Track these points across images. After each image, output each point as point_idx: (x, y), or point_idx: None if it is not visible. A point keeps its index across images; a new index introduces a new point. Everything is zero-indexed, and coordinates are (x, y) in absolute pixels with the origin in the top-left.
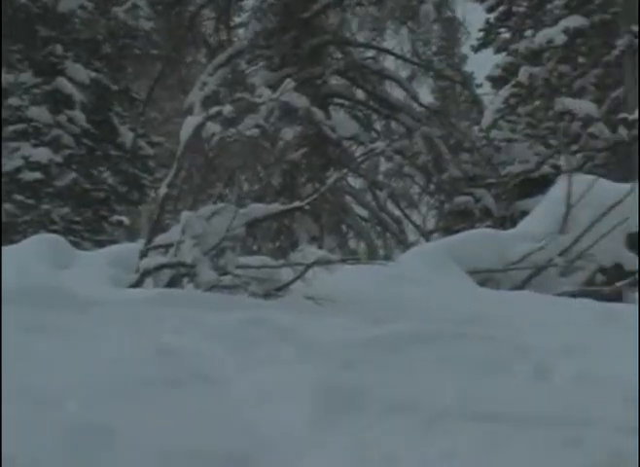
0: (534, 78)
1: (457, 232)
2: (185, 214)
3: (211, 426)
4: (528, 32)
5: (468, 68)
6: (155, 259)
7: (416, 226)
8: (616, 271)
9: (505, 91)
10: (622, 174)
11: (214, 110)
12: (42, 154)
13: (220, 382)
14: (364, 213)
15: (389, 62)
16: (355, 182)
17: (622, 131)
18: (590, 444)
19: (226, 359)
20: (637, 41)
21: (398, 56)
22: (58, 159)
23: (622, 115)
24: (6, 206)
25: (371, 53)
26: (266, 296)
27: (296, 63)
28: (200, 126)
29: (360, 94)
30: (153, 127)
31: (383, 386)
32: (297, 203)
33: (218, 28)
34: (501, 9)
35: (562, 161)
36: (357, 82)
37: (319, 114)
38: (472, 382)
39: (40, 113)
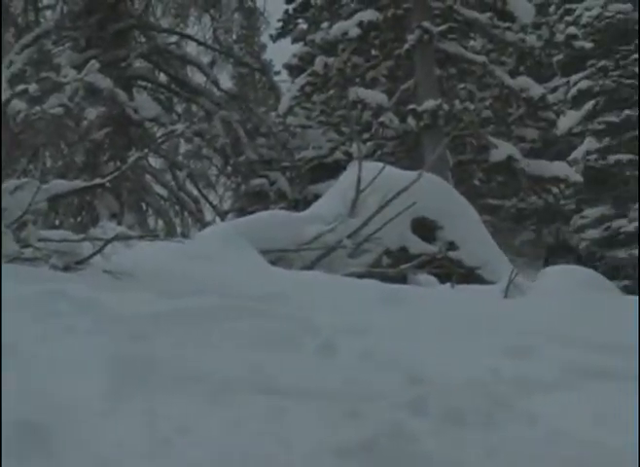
0: (329, 68)
1: (252, 212)
2: None
3: (6, 396)
4: (324, 24)
5: (267, 56)
6: None
7: (213, 206)
8: (401, 254)
9: (301, 80)
10: (410, 162)
11: (20, 88)
12: None
13: (17, 353)
14: (163, 192)
15: (191, 48)
16: (155, 162)
17: (411, 121)
18: (369, 417)
19: (24, 330)
20: (427, 36)
21: (199, 43)
22: None
23: (412, 106)
24: None
25: (174, 38)
26: (67, 269)
27: (101, 46)
28: (6, 104)
29: (162, 78)
30: None
31: (177, 358)
32: (98, 181)
33: (26, 9)
34: (299, 0)
35: (354, 148)
36: (160, 66)
37: (122, 95)
38: (260, 357)
39: None
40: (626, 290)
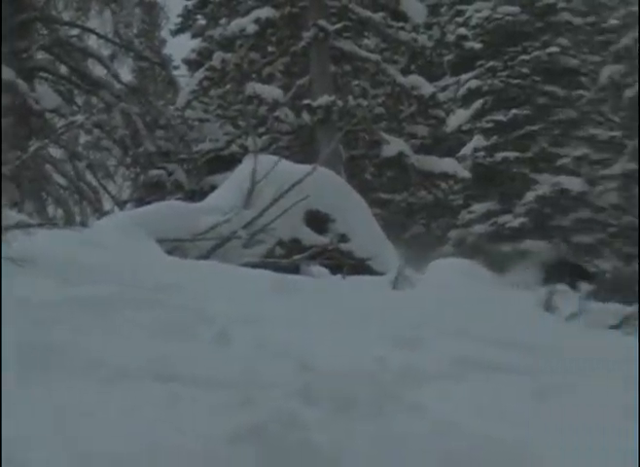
0: (226, 63)
1: (150, 202)
2: None
3: None
4: (223, 20)
5: (166, 51)
6: None
7: (112, 195)
8: (294, 245)
9: (199, 74)
10: (304, 156)
11: None
12: None
13: None
14: (63, 182)
15: (92, 41)
16: (56, 152)
17: (306, 116)
18: (262, 405)
19: None
20: (322, 34)
21: (100, 36)
22: None
23: (307, 101)
24: None
25: (75, 31)
26: None
27: (3, 37)
28: None
29: (63, 70)
30: None
31: (76, 346)
32: None
33: None
34: None
35: (249, 142)
36: (61, 58)
37: (24, 86)
38: (157, 345)
39: None
40: (510, 283)
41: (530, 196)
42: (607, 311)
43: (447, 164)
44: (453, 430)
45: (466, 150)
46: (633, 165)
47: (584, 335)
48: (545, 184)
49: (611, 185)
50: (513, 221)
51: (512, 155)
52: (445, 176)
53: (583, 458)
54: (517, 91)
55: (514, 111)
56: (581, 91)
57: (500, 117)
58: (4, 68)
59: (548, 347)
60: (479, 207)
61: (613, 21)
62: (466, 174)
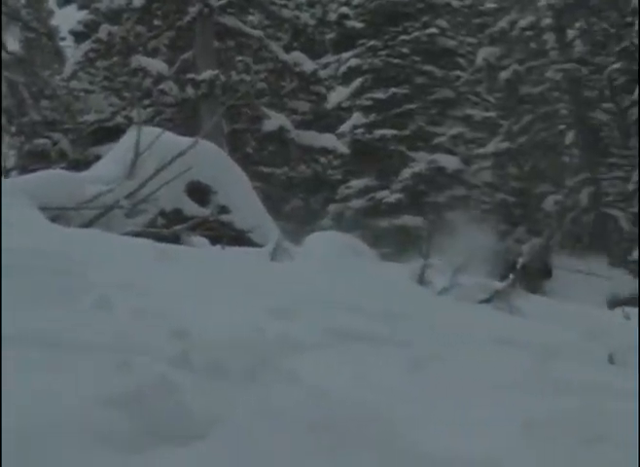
0: (113, 36)
1: (34, 171)
2: None
3: None
4: None
5: (53, 22)
6: None
7: None
8: (175, 216)
9: (85, 46)
10: (187, 129)
11: None
12: None
13: None
14: None
15: None
16: None
17: (190, 90)
18: (138, 370)
19: None
20: (207, 10)
21: None
22: None
23: (191, 75)
24: None
25: None
26: None
27: None
28: None
29: None
30: None
31: None
32: None
33: None
34: None
35: (134, 113)
36: None
37: None
38: (37, 311)
39: None
40: (386, 257)
41: (407, 172)
42: (478, 286)
43: (327, 140)
44: (326, 398)
45: (345, 126)
46: (506, 145)
47: (454, 308)
48: (421, 161)
49: (485, 163)
50: (389, 197)
51: (390, 132)
52: (325, 151)
53: (449, 426)
54: (397, 71)
55: (392, 90)
56: (458, 72)
57: (379, 95)
58: None
59: (420, 319)
60: (357, 183)
61: (490, 5)
62: (345, 150)
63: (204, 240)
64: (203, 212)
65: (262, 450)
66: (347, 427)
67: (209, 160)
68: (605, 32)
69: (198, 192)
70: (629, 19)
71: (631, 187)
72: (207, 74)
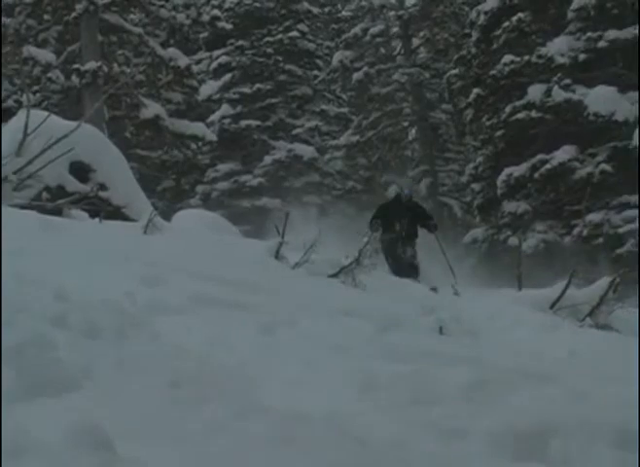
0: (6, 27)
1: None
2: None
3: None
4: None
5: None
6: None
7: None
8: (59, 191)
9: None
10: (72, 114)
11: None
12: None
13: None
14: None
15: None
16: None
17: (75, 79)
18: (19, 327)
19: None
20: (93, 7)
21: None
22: None
23: (76, 65)
24: None
25: None
26: None
27: None
28: None
29: None
30: None
31: None
32: None
33: None
34: None
35: (24, 98)
36: None
37: None
38: None
39: None
40: (246, 234)
41: (268, 159)
42: (327, 262)
43: (198, 128)
44: (185, 355)
45: (214, 116)
46: (357, 138)
47: (305, 281)
48: (281, 150)
49: (337, 154)
50: (252, 180)
51: (254, 123)
52: (195, 138)
53: (296, 385)
54: (261, 68)
55: (257, 85)
56: (315, 72)
57: (245, 89)
58: None
59: (274, 290)
60: (223, 167)
61: (346, 13)
62: (213, 137)
63: (84, 214)
64: (84, 189)
65: (128, 402)
66: (205, 383)
67: (90, 142)
68: (446, 41)
69: (80, 170)
70: (467, 31)
71: (464, 179)
72: (91, 65)
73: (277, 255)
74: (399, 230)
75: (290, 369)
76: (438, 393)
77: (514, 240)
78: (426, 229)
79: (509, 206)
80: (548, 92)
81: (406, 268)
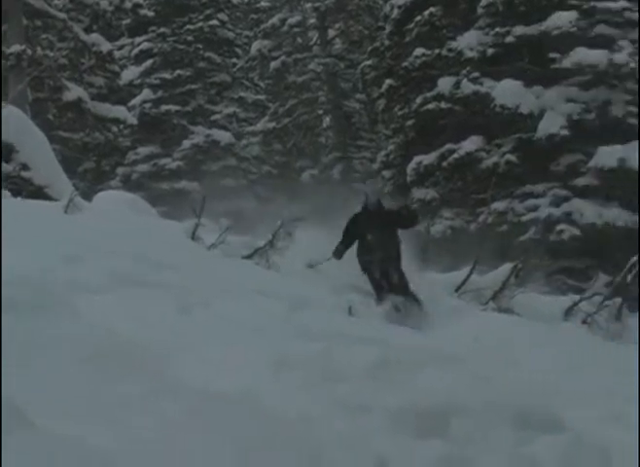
0: None
1: None
2: None
3: None
4: None
5: None
6: None
7: None
8: None
9: None
10: None
11: None
12: None
13: None
14: None
15: None
16: None
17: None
18: None
19: None
20: None
21: None
22: None
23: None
24: None
25: None
26: None
27: None
28: None
29: None
30: None
31: None
32: None
33: None
34: None
35: None
36: None
37: None
38: None
39: None
40: (165, 216)
41: (187, 143)
42: (242, 244)
43: (119, 112)
44: (104, 333)
45: (136, 101)
46: (273, 124)
47: (220, 261)
48: (200, 134)
49: (254, 139)
50: (171, 163)
51: (174, 108)
52: (117, 121)
53: (211, 363)
54: (182, 55)
55: (178, 71)
56: (234, 60)
57: (166, 75)
58: None
59: (190, 269)
60: (143, 150)
61: (264, 4)
62: (134, 121)
63: (7, 193)
64: (7, 169)
65: (42, 378)
66: (122, 360)
67: (13, 123)
68: (360, 33)
69: (3, 150)
70: (381, 24)
71: (376, 166)
72: (15, 48)
73: (194, 236)
74: (374, 245)
75: (205, 348)
76: (346, 372)
77: (421, 226)
78: (403, 227)
79: (418, 193)
80: (457, 85)
81: (396, 299)
